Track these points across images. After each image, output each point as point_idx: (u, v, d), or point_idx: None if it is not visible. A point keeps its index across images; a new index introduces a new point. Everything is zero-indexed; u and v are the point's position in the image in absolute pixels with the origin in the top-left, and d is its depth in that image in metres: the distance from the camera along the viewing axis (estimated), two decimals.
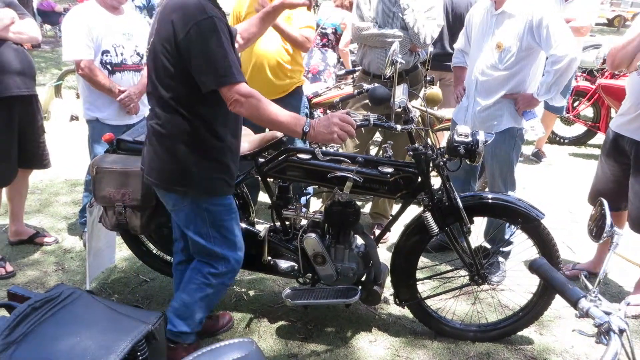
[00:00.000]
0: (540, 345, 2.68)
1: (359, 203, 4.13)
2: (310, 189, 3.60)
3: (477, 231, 3.29)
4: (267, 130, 2.83)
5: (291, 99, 3.50)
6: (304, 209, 2.67)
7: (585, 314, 1.09)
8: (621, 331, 1.01)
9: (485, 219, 3.12)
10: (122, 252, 3.32)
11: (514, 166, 3.12)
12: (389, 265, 2.68)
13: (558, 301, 2.73)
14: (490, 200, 2.53)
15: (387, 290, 2.84)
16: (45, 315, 1.21)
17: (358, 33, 3.34)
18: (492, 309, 2.94)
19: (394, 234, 3.33)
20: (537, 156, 5.51)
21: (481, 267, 2.58)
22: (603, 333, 1.03)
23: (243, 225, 2.65)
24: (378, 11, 3.30)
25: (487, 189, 3.51)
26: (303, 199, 3.66)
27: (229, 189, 2.22)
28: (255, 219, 2.84)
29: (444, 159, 2.41)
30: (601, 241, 1.25)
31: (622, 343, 1.00)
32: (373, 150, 4.68)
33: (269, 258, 2.67)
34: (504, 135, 3.01)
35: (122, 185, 2.42)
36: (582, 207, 3.12)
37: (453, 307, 2.83)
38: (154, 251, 3.00)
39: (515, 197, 2.64)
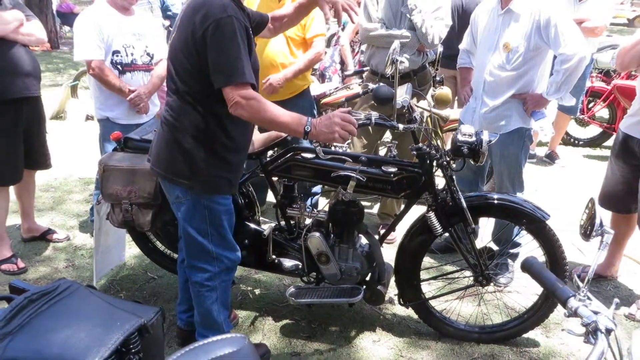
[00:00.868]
0: (546, 348, 2.65)
1: (367, 203, 4.17)
2: (318, 188, 3.61)
3: (485, 232, 3.28)
4: None
5: (300, 100, 3.52)
6: (309, 208, 2.68)
7: (574, 313, 1.08)
8: (608, 331, 1.01)
9: (493, 219, 3.10)
10: (131, 250, 3.36)
11: (522, 167, 3.09)
12: (393, 265, 2.67)
13: None
14: (495, 201, 2.51)
15: (392, 290, 2.83)
16: (42, 308, 1.24)
17: (366, 34, 3.34)
18: (497, 311, 2.92)
19: (400, 234, 3.32)
20: (551, 158, 5.45)
21: (486, 268, 2.56)
22: (591, 332, 1.03)
23: (248, 223, 2.68)
24: (385, 12, 3.30)
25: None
26: (311, 199, 3.68)
27: (231, 189, 2.24)
28: (261, 218, 2.85)
29: (448, 159, 2.41)
30: (591, 240, 1.24)
31: (609, 343, 0.99)
32: (382, 151, 4.67)
33: (274, 257, 2.68)
34: (512, 136, 2.99)
35: (129, 182, 2.45)
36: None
37: (458, 308, 2.81)
38: (161, 249, 3.03)
39: (521, 198, 2.62)
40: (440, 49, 3.78)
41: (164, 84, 2.86)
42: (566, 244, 2.83)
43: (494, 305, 2.96)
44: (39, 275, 3.20)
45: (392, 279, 2.69)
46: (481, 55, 3.05)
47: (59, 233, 3.63)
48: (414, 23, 3.21)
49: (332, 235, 2.63)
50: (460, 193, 2.45)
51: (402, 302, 2.68)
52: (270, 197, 4.05)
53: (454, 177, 2.47)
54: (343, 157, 2.47)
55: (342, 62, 4.71)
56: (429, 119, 3.76)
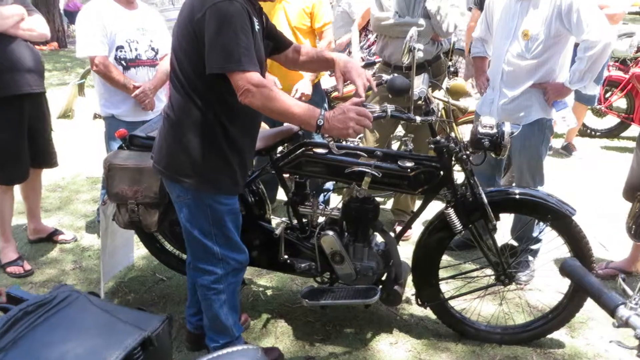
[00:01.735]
0: (571, 349, 2.53)
1: (380, 199, 4.05)
2: (330, 185, 3.50)
3: (504, 228, 3.16)
4: (283, 124, 2.74)
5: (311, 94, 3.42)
6: (322, 206, 2.57)
7: (625, 324, 0.96)
8: None
9: (512, 215, 2.98)
10: (139, 251, 3.28)
11: (542, 160, 2.97)
12: (410, 264, 2.56)
13: (590, 302, 2.58)
14: (517, 196, 2.39)
15: (409, 290, 2.72)
16: (37, 321, 1.14)
17: (378, 24, 3.22)
18: (519, 310, 2.80)
19: (416, 231, 3.21)
20: (567, 149, 5.29)
21: (508, 267, 2.45)
22: None
23: (259, 222, 2.58)
24: (398, 0, 3.17)
25: (513, 185, 3.36)
26: (323, 196, 3.57)
27: (235, 189, 2.14)
28: (272, 216, 2.75)
29: (468, 152, 2.29)
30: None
31: None
32: (395, 145, 4.55)
33: (286, 256, 2.58)
34: (533, 127, 2.86)
35: (135, 182, 2.36)
36: (614, 203, 2.95)
37: (478, 307, 2.70)
38: (170, 249, 2.94)
39: (545, 192, 2.50)
40: (454, 38, 3.65)
41: None
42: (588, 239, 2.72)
43: (515, 304, 2.85)
44: (45, 278, 3.13)
45: (410, 279, 2.59)
46: (498, 44, 2.92)
47: (66, 234, 3.56)
48: (428, 10, 3.08)
49: (346, 234, 2.52)
50: (480, 188, 2.33)
51: (419, 303, 2.57)
52: (282, 194, 3.96)
53: (473, 171, 2.34)
54: (357, 152, 2.36)
55: (349, 53, 4.58)
56: (444, 111, 3.63)
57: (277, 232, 2.48)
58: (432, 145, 2.28)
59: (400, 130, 4.37)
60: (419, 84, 2.27)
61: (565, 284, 2.49)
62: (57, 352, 1.07)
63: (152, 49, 3.24)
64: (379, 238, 2.56)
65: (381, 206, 4.01)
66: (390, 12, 3.19)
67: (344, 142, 2.99)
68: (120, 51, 3.15)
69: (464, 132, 3.78)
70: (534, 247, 3.04)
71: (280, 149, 2.59)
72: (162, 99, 3.39)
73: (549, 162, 4.97)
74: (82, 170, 4.76)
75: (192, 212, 2.11)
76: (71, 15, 13.88)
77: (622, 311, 0.98)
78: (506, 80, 2.87)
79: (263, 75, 1.97)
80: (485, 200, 2.31)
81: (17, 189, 3.28)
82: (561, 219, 2.34)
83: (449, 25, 3.07)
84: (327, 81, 4.20)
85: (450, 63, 3.96)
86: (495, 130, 2.19)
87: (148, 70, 3.24)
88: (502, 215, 2.86)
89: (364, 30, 4.91)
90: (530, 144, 2.89)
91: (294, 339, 2.60)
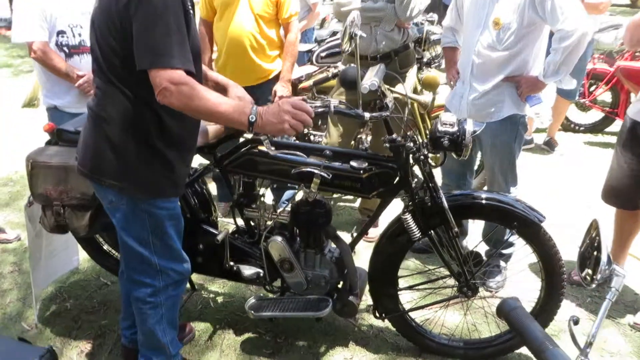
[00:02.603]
0: None
1: (349, 197, 3.83)
2: (289, 193, 3.30)
3: (475, 231, 2.96)
4: None
5: (270, 87, 3.19)
6: (273, 208, 2.35)
7: None
8: None
9: None
10: (85, 253, 3.04)
11: (515, 159, 2.76)
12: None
13: (563, 313, 2.39)
14: (482, 201, 2.19)
15: (368, 299, 2.52)
16: None
17: (338, 9, 2.97)
18: (488, 321, 2.60)
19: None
20: (549, 145, 5.09)
21: (472, 277, 2.24)
22: None
23: (202, 226, 2.36)
24: None
25: (485, 187, 3.15)
26: (288, 193, 3.35)
27: (176, 191, 1.92)
28: (220, 219, 2.53)
29: (426, 152, 2.07)
30: (594, 285, 0.91)
31: None
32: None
33: (232, 263, 2.36)
34: (504, 124, 2.65)
35: (60, 181, 2.12)
36: (598, 201, 2.76)
37: (442, 317, 2.50)
38: (110, 251, 2.71)
39: (513, 197, 2.30)
40: (427, 27, 3.42)
41: None
42: (565, 241, 2.53)
43: (482, 314, 2.64)
44: None
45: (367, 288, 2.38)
46: (468, 34, 2.69)
47: (8, 233, 3.31)
48: None
49: (297, 240, 2.31)
50: (441, 192, 2.12)
51: (377, 315, 2.37)
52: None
53: (433, 173, 2.13)
54: (304, 149, 2.14)
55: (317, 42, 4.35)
56: (416, 106, 3.40)
57: (219, 237, 2.25)
58: (388, 144, 2.06)
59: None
60: (371, 75, 2.04)
61: (536, 289, 2.30)
62: None
63: None
64: (332, 245, 2.34)
65: (349, 204, 3.81)
66: None
67: (291, 139, 2.76)
68: (62, 36, 2.89)
69: None
70: (505, 251, 2.84)
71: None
72: None
73: (530, 158, 4.80)
74: None
75: (127, 219, 1.88)
76: None
77: None
78: (476, 73, 2.65)
79: (198, 64, 1.75)
80: (446, 205, 2.09)
81: None
82: (529, 227, 2.14)
83: (412, 10, 2.82)
84: (296, 71, 3.97)
85: (425, 54, 3.71)
86: (456, 129, 1.98)
87: None
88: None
89: None
90: (501, 142, 2.69)
91: (240, 353, 2.39)
